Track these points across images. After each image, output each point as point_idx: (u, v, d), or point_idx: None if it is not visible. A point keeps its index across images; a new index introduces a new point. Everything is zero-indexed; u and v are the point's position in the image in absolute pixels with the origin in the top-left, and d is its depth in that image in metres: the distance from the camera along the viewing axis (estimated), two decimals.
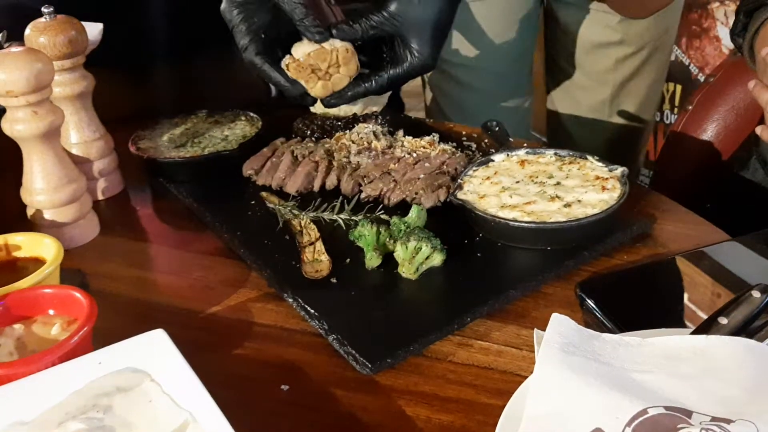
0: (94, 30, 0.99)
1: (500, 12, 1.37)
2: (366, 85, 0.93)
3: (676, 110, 2.49)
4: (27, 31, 0.89)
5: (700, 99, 1.30)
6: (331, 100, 0.93)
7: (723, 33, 2.26)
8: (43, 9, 0.89)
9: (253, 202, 0.94)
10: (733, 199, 1.15)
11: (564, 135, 1.52)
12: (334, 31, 0.92)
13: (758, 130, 0.93)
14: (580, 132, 1.48)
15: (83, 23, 0.93)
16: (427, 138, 0.99)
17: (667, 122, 2.52)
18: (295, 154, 0.98)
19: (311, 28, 0.90)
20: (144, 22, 1.19)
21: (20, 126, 0.81)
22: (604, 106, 1.44)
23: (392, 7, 0.90)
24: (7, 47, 1.02)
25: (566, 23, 1.40)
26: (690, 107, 1.30)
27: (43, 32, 0.88)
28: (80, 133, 0.95)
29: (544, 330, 0.63)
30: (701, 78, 2.33)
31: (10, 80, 0.79)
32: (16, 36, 1.00)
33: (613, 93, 1.42)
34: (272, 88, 1.44)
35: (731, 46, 1.12)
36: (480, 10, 1.36)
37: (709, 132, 1.27)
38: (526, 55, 1.47)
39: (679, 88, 2.47)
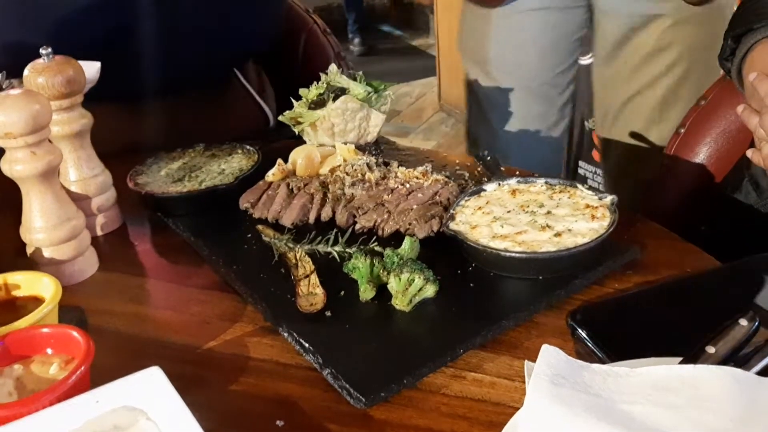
0: (91, 69, 1.01)
1: (544, 24, 1.46)
2: None
3: None
4: (26, 72, 0.91)
5: (691, 122, 1.31)
6: None
7: None
8: (41, 50, 0.91)
9: (249, 235, 0.95)
10: (726, 222, 1.16)
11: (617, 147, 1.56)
12: None
13: (749, 153, 0.94)
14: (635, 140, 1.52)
15: (81, 62, 0.95)
16: (420, 168, 1.00)
17: None
18: (290, 187, 0.99)
19: None
20: (140, 57, 1.21)
21: (19, 166, 0.83)
22: (655, 111, 1.48)
23: None
24: (8, 87, 1.04)
25: (616, 36, 1.45)
26: (682, 130, 1.31)
27: (41, 73, 0.90)
28: (79, 171, 0.96)
29: (535, 361, 0.64)
30: None
31: (8, 122, 0.80)
32: (15, 73, 1.02)
33: (665, 96, 1.47)
34: (270, 118, 1.47)
35: None
36: (524, 20, 1.45)
37: (701, 155, 1.28)
38: (567, 71, 1.54)
39: None
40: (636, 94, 1.49)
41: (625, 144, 1.54)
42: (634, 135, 1.52)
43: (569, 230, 0.84)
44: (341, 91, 1.11)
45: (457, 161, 1.11)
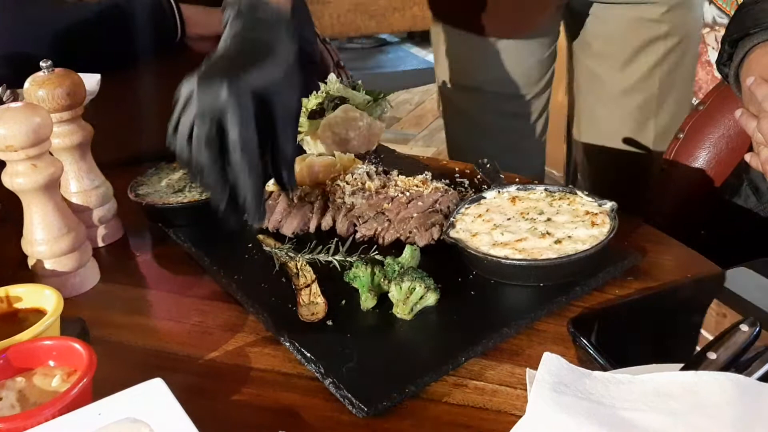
0: (91, 80, 1.01)
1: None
2: None
3: None
4: (26, 85, 0.91)
5: (690, 127, 1.31)
6: None
7: (714, 57, 2.28)
8: (41, 63, 0.91)
9: (250, 245, 0.95)
10: (726, 227, 1.16)
11: (598, 157, 1.53)
12: None
13: (747, 157, 0.95)
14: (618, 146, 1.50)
15: (81, 74, 0.95)
16: (419, 176, 1.01)
17: None
18: (290, 197, 0.99)
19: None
20: (139, 69, 1.22)
21: (20, 179, 0.83)
22: (652, 102, 1.47)
23: None
24: (8, 99, 1.05)
25: (606, 32, 1.44)
26: (681, 135, 1.32)
27: (41, 86, 0.90)
28: (80, 182, 0.96)
29: (537, 368, 0.64)
30: (695, 102, 2.35)
31: (9, 135, 0.80)
32: (15, 86, 1.02)
33: (660, 88, 1.45)
34: None
35: None
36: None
37: (701, 160, 1.28)
38: (542, 80, 1.52)
39: None
40: (630, 88, 1.48)
41: (611, 147, 1.52)
42: (626, 135, 1.51)
43: (569, 237, 0.84)
44: (341, 100, 1.12)
45: (457, 169, 1.11)
